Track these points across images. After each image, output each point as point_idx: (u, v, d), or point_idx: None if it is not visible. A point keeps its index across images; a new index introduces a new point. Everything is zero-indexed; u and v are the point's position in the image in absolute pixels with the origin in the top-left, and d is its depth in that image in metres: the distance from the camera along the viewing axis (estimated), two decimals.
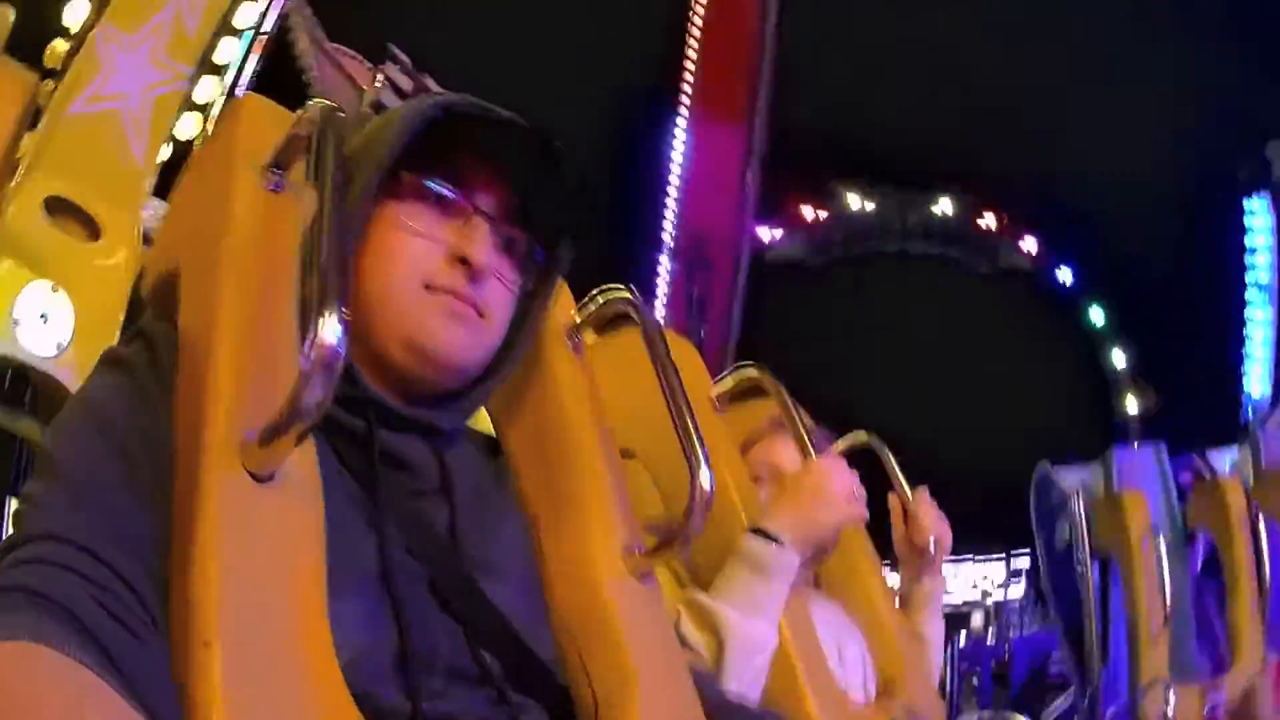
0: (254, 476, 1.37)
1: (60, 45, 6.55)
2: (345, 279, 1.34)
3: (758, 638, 2.35)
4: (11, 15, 2.77)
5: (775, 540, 2.42)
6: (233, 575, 1.31)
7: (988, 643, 23.95)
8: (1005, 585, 26.66)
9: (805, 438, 2.72)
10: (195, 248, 1.68)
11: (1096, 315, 26.39)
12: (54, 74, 6.49)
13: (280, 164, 1.68)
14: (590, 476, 1.90)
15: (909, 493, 3.23)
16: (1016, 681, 18.69)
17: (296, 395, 1.28)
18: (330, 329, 1.27)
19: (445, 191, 1.78)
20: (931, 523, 3.18)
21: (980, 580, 26.63)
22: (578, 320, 2.11)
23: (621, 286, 2.12)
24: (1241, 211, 24.61)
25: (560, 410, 1.97)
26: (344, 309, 1.30)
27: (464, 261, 1.75)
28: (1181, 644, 6.20)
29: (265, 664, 1.30)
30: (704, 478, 1.82)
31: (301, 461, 1.44)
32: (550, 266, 1.96)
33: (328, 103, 1.61)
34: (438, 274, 1.74)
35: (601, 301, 2.12)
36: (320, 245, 1.38)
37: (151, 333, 1.61)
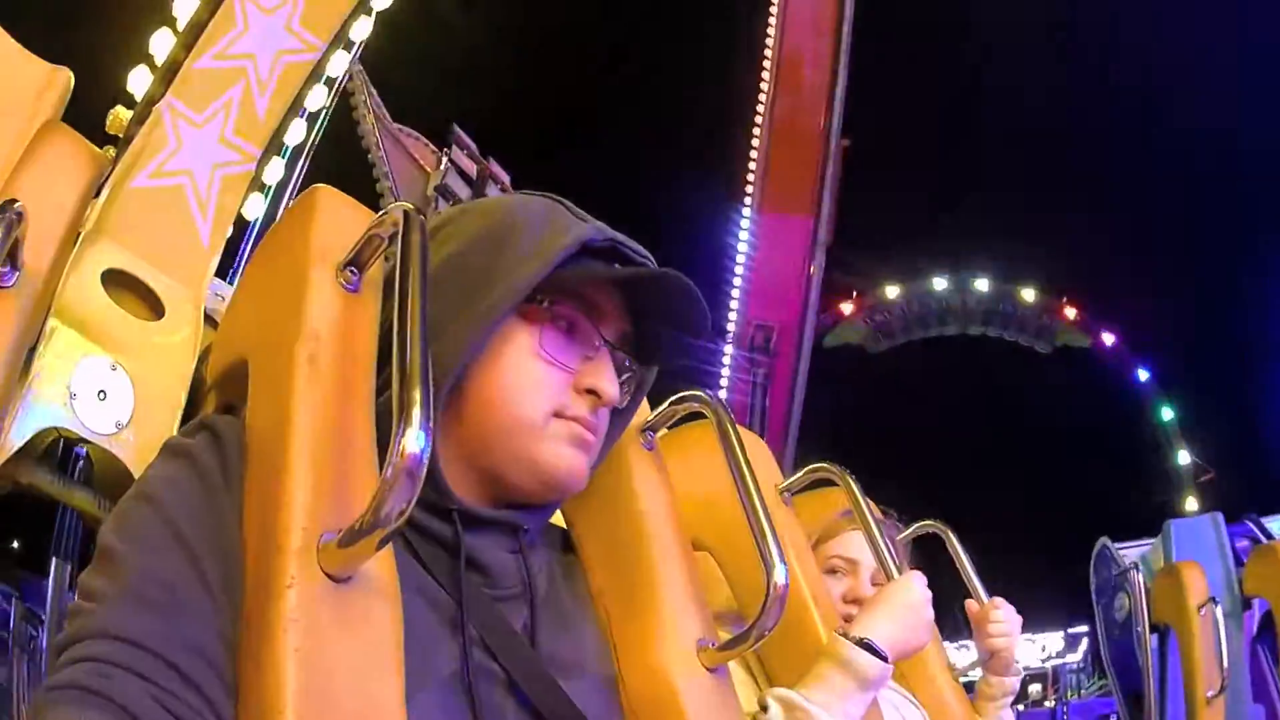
0: (331, 578, 1.37)
1: (123, 112, 6.56)
2: (430, 386, 1.34)
3: None
4: (71, 78, 2.76)
5: (881, 655, 2.41)
6: (309, 676, 1.30)
7: (1046, 705, 23.92)
8: (1063, 653, 26.79)
9: (889, 558, 2.71)
10: (267, 341, 1.68)
11: (1166, 413, 26.57)
12: (114, 140, 6.50)
13: (356, 263, 1.68)
14: (663, 571, 1.90)
15: (982, 594, 3.24)
16: None
17: (380, 501, 1.28)
18: (414, 438, 1.27)
19: (580, 321, 1.80)
20: (997, 629, 3.19)
21: (1039, 651, 26.72)
22: (650, 419, 2.12)
23: (697, 391, 2.13)
24: None
25: (634, 507, 1.97)
26: (429, 418, 1.30)
27: (591, 392, 1.77)
28: (1238, 707, 6.25)
29: None
30: (779, 575, 1.83)
31: (379, 563, 1.44)
32: (640, 382, 1.97)
33: (410, 205, 1.60)
34: (570, 404, 1.77)
35: (676, 400, 2.14)
36: (408, 355, 1.38)
37: (217, 427, 1.60)
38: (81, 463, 4.12)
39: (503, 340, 1.74)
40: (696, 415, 2.19)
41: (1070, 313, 27.94)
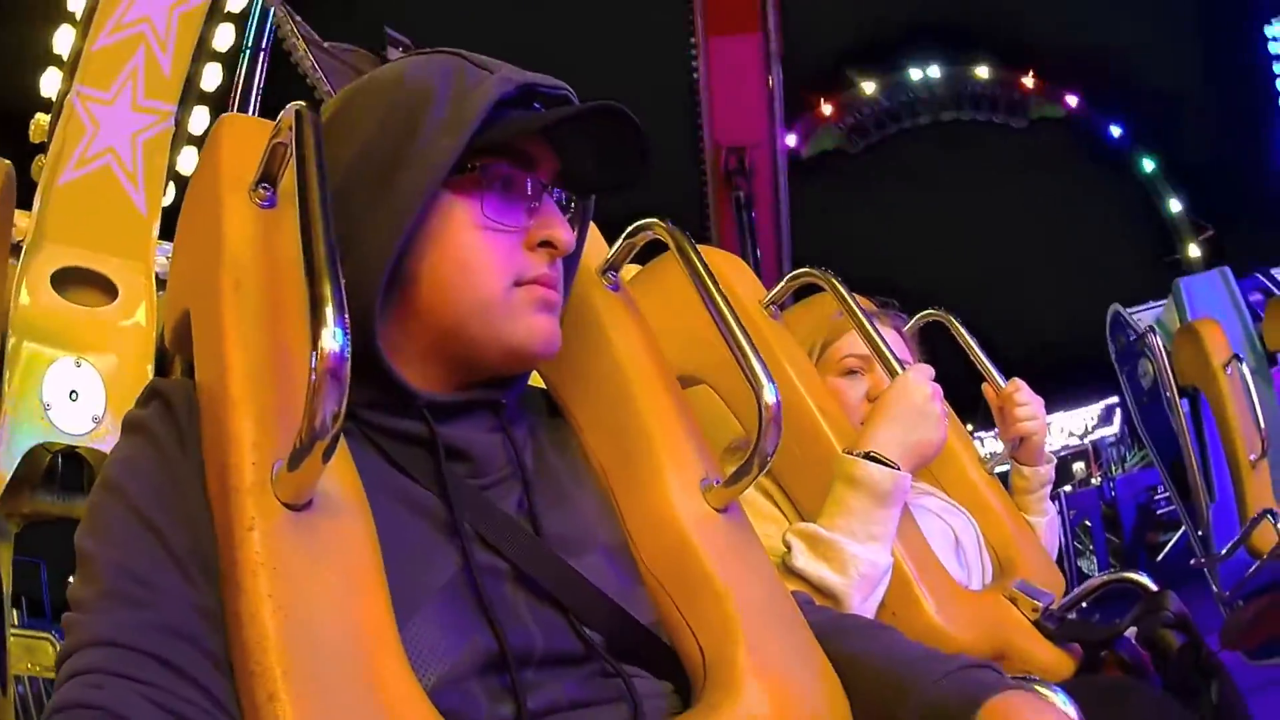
0: (289, 507, 1.31)
1: (42, 119, 6.48)
2: (340, 281, 1.26)
3: (880, 564, 2.30)
4: None
5: (892, 465, 2.36)
6: (287, 615, 1.25)
7: (1092, 482, 23.94)
8: (1098, 427, 26.86)
9: (890, 356, 2.62)
10: (199, 284, 1.60)
11: (1148, 164, 26.62)
12: (43, 148, 6.44)
13: (268, 178, 1.61)
14: (653, 415, 1.82)
15: (998, 378, 3.14)
16: (1127, 523, 18.60)
17: (311, 411, 1.21)
18: (330, 335, 1.20)
19: (516, 175, 1.69)
20: (1023, 413, 3.08)
21: (1075, 428, 26.78)
22: (609, 258, 2.03)
23: (651, 220, 2.03)
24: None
25: (610, 353, 1.89)
26: (344, 313, 1.22)
27: (544, 244, 1.69)
28: None
29: (340, 705, 1.24)
30: (768, 394, 1.72)
31: (339, 479, 1.38)
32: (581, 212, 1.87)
33: (300, 103, 1.51)
34: (525, 267, 1.67)
35: (630, 233, 2.05)
36: (314, 251, 1.30)
37: (164, 390, 1.55)
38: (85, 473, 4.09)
39: (440, 218, 1.63)
40: (659, 248, 2.10)
41: (1029, 82, 27.90)
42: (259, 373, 1.42)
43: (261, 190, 1.61)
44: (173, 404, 1.51)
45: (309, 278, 1.27)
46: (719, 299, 1.85)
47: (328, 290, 1.24)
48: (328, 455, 1.25)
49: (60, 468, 4.09)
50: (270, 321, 1.48)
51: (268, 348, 1.45)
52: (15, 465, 3.64)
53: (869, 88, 28.35)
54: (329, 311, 1.21)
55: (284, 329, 1.48)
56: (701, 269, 1.90)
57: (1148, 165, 26.88)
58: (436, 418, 1.63)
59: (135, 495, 1.42)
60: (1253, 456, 5.86)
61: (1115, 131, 27.41)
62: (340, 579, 1.31)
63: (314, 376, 1.19)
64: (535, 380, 1.92)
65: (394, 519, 1.43)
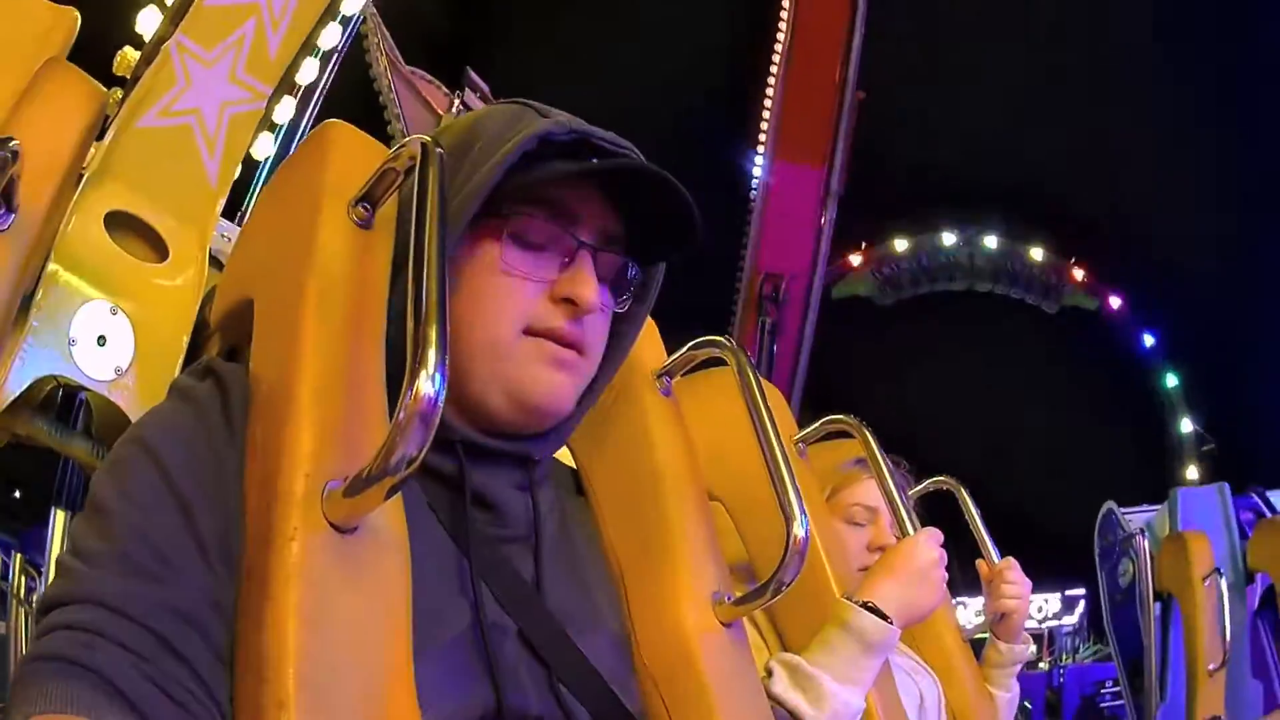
0: (336, 528, 1.31)
1: (131, 53, 6.47)
2: (446, 326, 1.27)
3: (854, 706, 2.34)
4: (78, 18, 2.67)
5: (886, 619, 2.39)
6: (312, 632, 1.24)
7: (1040, 666, 23.93)
8: (1059, 615, 26.87)
9: (905, 514, 2.67)
10: (274, 279, 1.62)
11: (1170, 379, 26.62)
12: (123, 82, 6.42)
13: (370, 198, 1.61)
14: (680, 523, 1.85)
15: (994, 554, 3.21)
16: (1069, 711, 18.62)
17: (390, 448, 1.21)
18: (429, 380, 1.20)
19: (549, 227, 1.69)
20: (1010, 590, 3.17)
21: (1035, 612, 26.75)
22: (667, 364, 2.06)
23: (719, 338, 2.08)
24: None
25: (650, 456, 1.92)
26: (445, 360, 1.23)
27: (568, 300, 1.66)
28: (1237, 682, 6.26)
29: None
30: (799, 528, 1.80)
31: (388, 513, 1.38)
32: (645, 282, 1.86)
33: (428, 137, 1.53)
34: (539, 317, 1.65)
35: (695, 346, 2.09)
36: (425, 292, 1.31)
37: (222, 372, 1.53)
38: (81, 411, 4.06)
39: (468, 258, 1.66)
40: (714, 362, 2.13)
41: (1078, 274, 28.01)
42: (329, 387, 1.41)
43: (361, 209, 1.61)
44: (229, 388, 1.50)
45: (415, 317, 1.28)
46: (770, 430, 1.89)
47: (434, 334, 1.25)
48: (391, 493, 1.26)
49: (59, 401, 4.08)
50: (345, 340, 1.48)
51: (341, 365, 1.45)
52: (25, 387, 3.61)
53: (901, 246, 28.44)
54: (432, 355, 1.22)
55: (359, 351, 1.48)
56: (759, 398, 1.93)
57: (1170, 380, 26.89)
58: (469, 456, 1.64)
59: (171, 464, 1.40)
60: (1211, 666, 5.92)
61: (1149, 341, 27.47)
62: (369, 608, 1.31)
63: (402, 415, 1.19)
64: (569, 458, 1.95)
65: (417, 558, 1.41)
